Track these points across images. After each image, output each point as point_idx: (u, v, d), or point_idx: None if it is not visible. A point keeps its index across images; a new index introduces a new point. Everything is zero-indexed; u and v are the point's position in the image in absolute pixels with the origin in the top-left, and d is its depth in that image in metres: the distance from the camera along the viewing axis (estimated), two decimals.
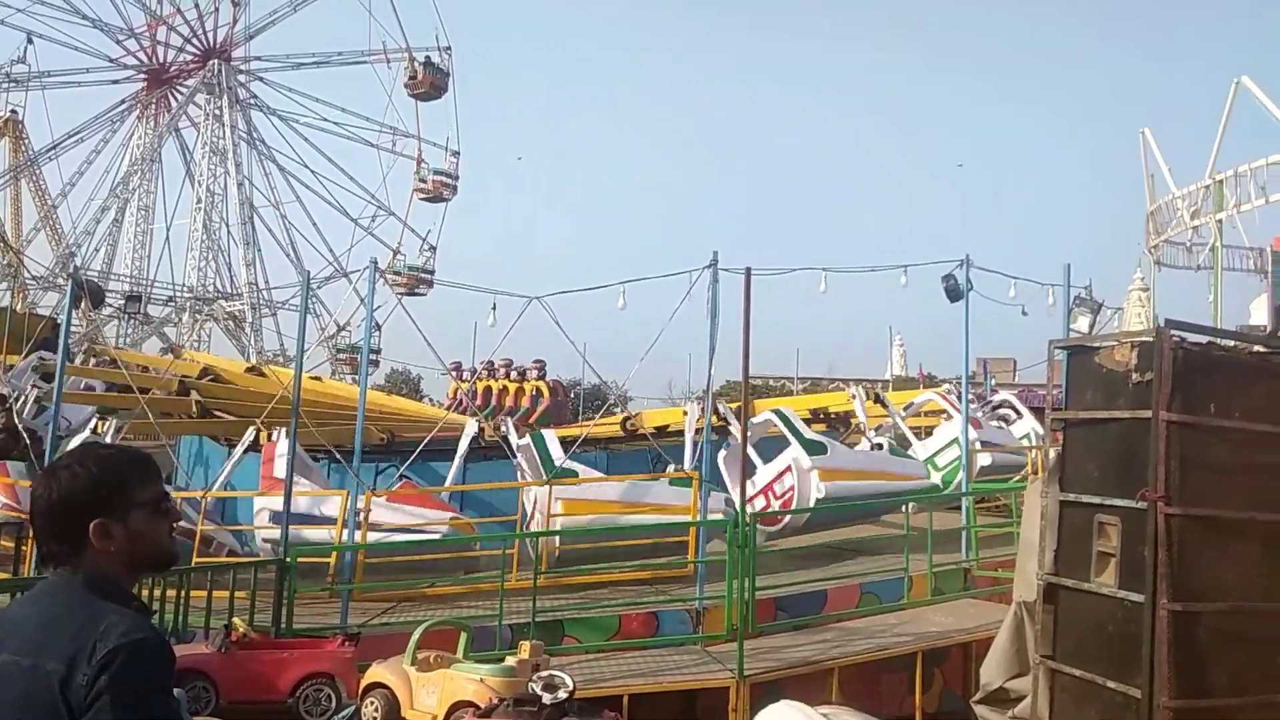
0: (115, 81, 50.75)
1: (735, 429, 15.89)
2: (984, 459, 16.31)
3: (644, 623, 11.38)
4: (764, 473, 14.93)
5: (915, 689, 10.35)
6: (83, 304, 18.06)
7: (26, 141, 50.07)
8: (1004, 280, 15.47)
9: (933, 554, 12.45)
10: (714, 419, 16.37)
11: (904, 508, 13.82)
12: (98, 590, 2.08)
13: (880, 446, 16.38)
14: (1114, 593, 5.14)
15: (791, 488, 14.69)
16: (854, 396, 18.21)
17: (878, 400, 18.53)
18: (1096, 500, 5.32)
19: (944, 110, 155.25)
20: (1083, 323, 15.07)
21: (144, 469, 2.24)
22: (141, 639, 1.99)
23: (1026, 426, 18.81)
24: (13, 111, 49.02)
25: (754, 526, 11.24)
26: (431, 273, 51.46)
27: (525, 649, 8.56)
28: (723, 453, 15.17)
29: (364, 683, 8.62)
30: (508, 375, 32.68)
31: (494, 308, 13.93)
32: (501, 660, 8.61)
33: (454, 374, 31.28)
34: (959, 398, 16.54)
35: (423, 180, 54.39)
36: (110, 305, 41.40)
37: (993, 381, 31.75)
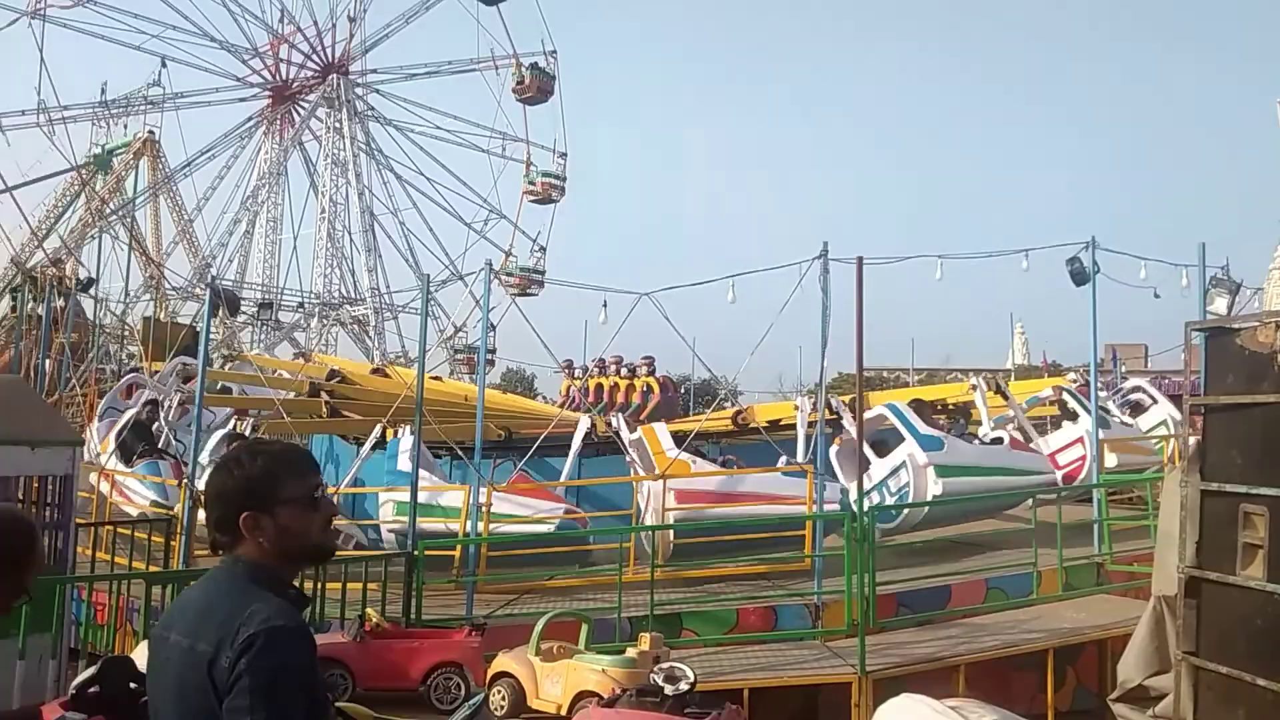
0: (242, 99, 53.28)
1: (848, 422, 15.72)
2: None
3: (762, 617, 11.36)
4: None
5: (1047, 687, 10.02)
6: (220, 312, 19.08)
7: (163, 160, 53.12)
8: (1133, 262, 14.82)
9: (1063, 548, 12.02)
10: (826, 413, 16.22)
11: (1032, 501, 13.38)
12: (255, 578, 2.21)
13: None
14: (1262, 586, 4.88)
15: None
16: (974, 387, 17.66)
17: (999, 391, 17.93)
18: (1241, 489, 5.06)
19: (1060, 87, 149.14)
20: (1220, 304, 14.27)
21: (297, 465, 2.33)
22: (280, 625, 2.09)
23: (1161, 414, 17.92)
24: (150, 133, 51.99)
25: (873, 520, 11.05)
26: (542, 273, 52.29)
27: (645, 641, 8.66)
28: (835, 447, 14.98)
29: (491, 672, 8.88)
30: (618, 372, 33.04)
31: (604, 305, 14.13)
32: (622, 652, 8.74)
33: (566, 372, 31.80)
34: (1087, 386, 15.92)
35: (531, 183, 55.33)
36: (245, 313, 43.60)
37: (1123, 368, 30.33)
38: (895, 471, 14.59)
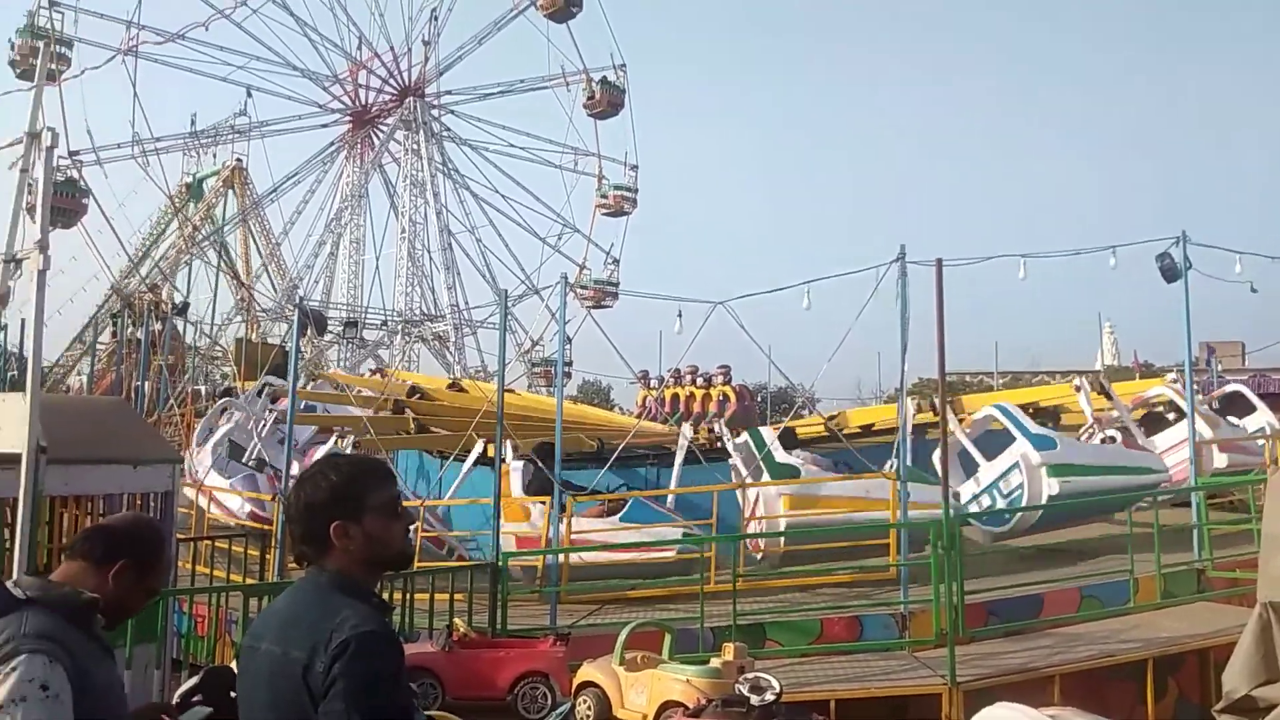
0: (324, 125, 54.97)
1: (954, 425, 15.45)
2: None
3: (847, 627, 11.20)
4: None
5: (1146, 698, 9.65)
6: (308, 331, 19.67)
7: (251, 186, 55.10)
8: (1227, 257, 14.24)
9: (1160, 554, 11.60)
10: (930, 415, 15.98)
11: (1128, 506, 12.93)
12: (340, 587, 2.28)
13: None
14: None
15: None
16: (1078, 389, 17.25)
17: (1103, 392, 17.41)
18: None
19: (1145, 83, 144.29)
20: None
21: (379, 476, 2.43)
22: (371, 631, 2.16)
23: (1260, 420, 17.14)
24: (238, 160, 54.07)
25: (959, 527, 10.81)
26: (616, 285, 52.65)
27: (729, 651, 8.62)
28: (938, 451, 14.72)
29: (576, 681, 8.94)
30: (694, 381, 33.00)
31: (679, 315, 14.13)
32: (706, 662, 8.71)
33: (642, 382, 31.86)
34: (1183, 386, 15.37)
35: (604, 196, 55.86)
36: (331, 332, 44.85)
37: (1219, 367, 29.12)
38: (1006, 473, 14.30)
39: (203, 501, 16.78)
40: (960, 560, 10.47)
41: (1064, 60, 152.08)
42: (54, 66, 38.79)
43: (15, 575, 2.52)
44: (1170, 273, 13.71)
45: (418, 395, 21.04)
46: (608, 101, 54.30)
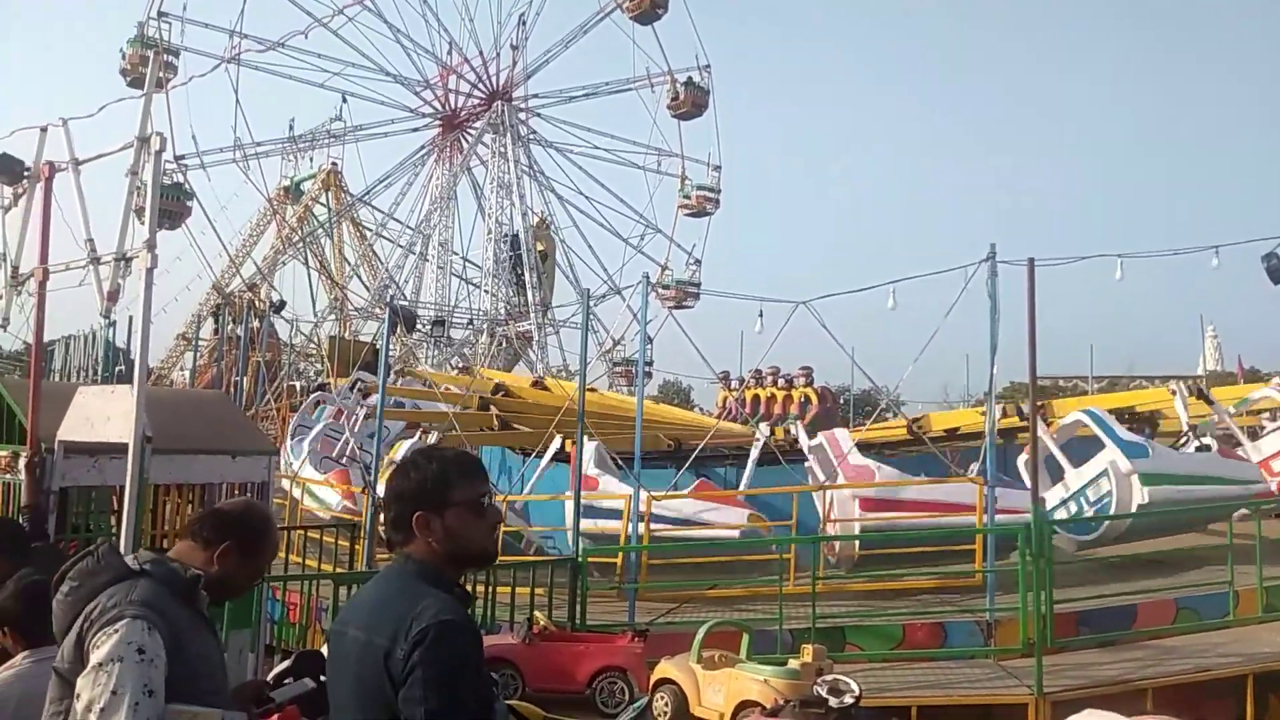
0: (415, 129, 56.26)
1: (1042, 430, 15.09)
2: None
3: (930, 633, 11.00)
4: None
5: (1246, 715, 9.24)
6: (398, 329, 20.19)
7: (345, 189, 56.72)
8: None
9: (1263, 566, 11.09)
10: (1016, 420, 15.63)
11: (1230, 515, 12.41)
12: (423, 576, 2.33)
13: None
14: None
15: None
16: (1174, 393, 16.62)
17: (1201, 396, 16.70)
18: None
19: (1254, 63, 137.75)
20: None
21: (468, 471, 2.46)
22: (450, 620, 2.20)
23: None
24: (334, 164, 55.74)
25: (1049, 534, 10.52)
26: (698, 285, 52.62)
27: (808, 653, 8.56)
28: (1024, 456, 14.38)
29: (654, 678, 8.99)
30: (775, 383, 32.79)
31: (760, 315, 14.07)
32: (785, 663, 8.67)
33: (723, 383, 31.78)
34: None
35: (686, 197, 55.89)
36: (420, 330, 45.88)
37: None
38: (1095, 480, 13.90)
39: (297, 493, 17.38)
40: (1050, 568, 10.18)
41: (1154, 60, 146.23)
42: (162, 75, 40.50)
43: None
44: (1277, 273, 13.15)
45: (502, 393, 21.41)
46: (692, 102, 54.32)
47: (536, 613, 10.17)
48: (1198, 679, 9.39)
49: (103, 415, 6.31)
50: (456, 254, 57.69)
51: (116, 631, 2.42)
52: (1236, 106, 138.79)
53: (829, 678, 7.34)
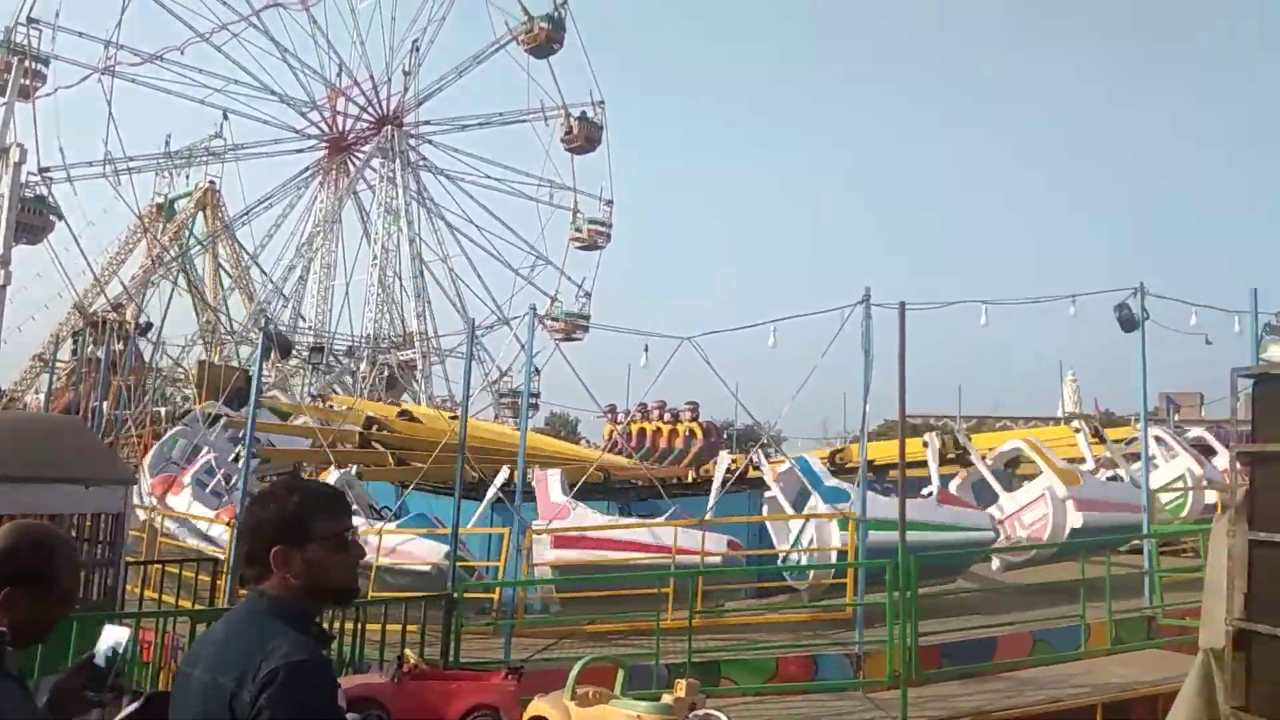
0: (300, 151, 54.96)
1: (976, 459, 16.03)
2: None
3: (802, 666, 11.18)
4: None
5: None
6: (272, 355, 19.50)
7: (223, 209, 54.80)
8: (1184, 309, 14.58)
9: (1111, 601, 11.72)
10: (951, 451, 16.72)
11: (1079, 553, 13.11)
12: (278, 613, 2.22)
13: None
14: None
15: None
16: (1078, 430, 18.13)
17: (1097, 435, 18.43)
18: None
19: (1114, 130, 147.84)
20: (1275, 351, 13.99)
21: (331, 505, 2.35)
22: (301, 660, 2.09)
23: (1180, 467, 17.38)
24: (211, 182, 53.81)
25: (915, 567, 10.88)
26: (587, 318, 52.75)
27: (682, 688, 8.56)
28: (958, 480, 15.47)
29: (526, 716, 8.83)
30: (661, 417, 33.01)
31: (645, 350, 14.19)
32: (658, 698, 8.65)
33: (609, 416, 31.80)
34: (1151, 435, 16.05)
35: (578, 230, 56.15)
36: (296, 355, 44.44)
37: (1175, 417, 29.63)
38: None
39: (171, 526, 16.50)
40: (914, 601, 10.51)
41: (1044, 109, 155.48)
42: (28, 83, 38.50)
43: None
44: (1128, 323, 14.02)
45: (375, 426, 20.60)
46: (585, 137, 54.80)
47: (407, 650, 9.87)
48: (1052, 709, 9.82)
49: None
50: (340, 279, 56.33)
51: None
52: (1091, 167, 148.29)
53: (701, 712, 7.39)
